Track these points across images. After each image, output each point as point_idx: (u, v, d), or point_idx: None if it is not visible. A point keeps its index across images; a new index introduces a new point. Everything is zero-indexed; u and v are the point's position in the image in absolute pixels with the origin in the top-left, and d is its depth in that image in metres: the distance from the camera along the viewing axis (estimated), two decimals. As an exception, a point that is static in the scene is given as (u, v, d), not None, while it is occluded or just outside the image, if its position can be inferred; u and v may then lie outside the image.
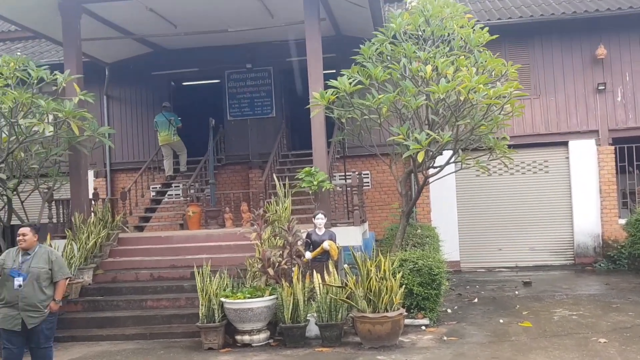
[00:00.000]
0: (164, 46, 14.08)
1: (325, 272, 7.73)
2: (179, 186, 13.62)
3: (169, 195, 14.10)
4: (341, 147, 14.06)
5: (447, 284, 8.82)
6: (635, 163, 13.95)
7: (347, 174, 13.54)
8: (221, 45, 13.87)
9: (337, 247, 8.17)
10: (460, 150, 9.53)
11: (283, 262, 7.89)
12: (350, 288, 7.45)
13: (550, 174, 14.27)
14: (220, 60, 14.30)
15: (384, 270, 7.41)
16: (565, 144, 14.13)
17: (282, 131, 14.12)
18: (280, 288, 7.64)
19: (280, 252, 8.04)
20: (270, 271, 7.67)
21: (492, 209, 14.23)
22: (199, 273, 8.00)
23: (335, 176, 13.19)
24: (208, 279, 7.93)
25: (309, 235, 8.32)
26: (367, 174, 14.15)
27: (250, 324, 7.63)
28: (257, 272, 8.04)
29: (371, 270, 7.36)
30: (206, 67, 14.45)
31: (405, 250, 9.30)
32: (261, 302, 7.63)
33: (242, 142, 14.47)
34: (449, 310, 9.51)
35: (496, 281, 12.44)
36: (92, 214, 10.52)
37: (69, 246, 9.46)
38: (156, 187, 14.04)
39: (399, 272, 7.71)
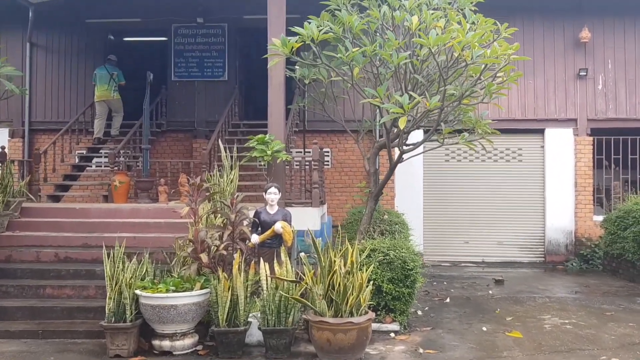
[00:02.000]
0: (101, -11, 11.75)
1: (275, 261, 5.86)
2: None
3: (96, 162, 11.83)
4: (300, 120, 12.15)
5: (422, 281, 7.09)
6: (612, 157, 12.62)
7: (305, 150, 11.64)
8: (169, -6, 11.72)
9: (292, 230, 6.29)
10: (442, 124, 7.76)
11: (222, 246, 5.96)
12: (306, 283, 5.61)
13: (524, 163, 12.80)
14: (167, 11, 12.09)
15: (352, 262, 5.59)
16: (542, 131, 12.68)
17: (235, 97, 12.08)
18: (216, 280, 5.71)
19: (219, 233, 6.09)
20: (204, 257, 5.72)
21: (460, 197, 12.64)
22: (109, 255, 5.96)
23: (292, 152, 11.29)
24: (121, 264, 5.90)
25: (257, 214, 6.40)
26: (328, 152, 12.29)
27: (173, 325, 5.68)
28: (188, 258, 6.06)
29: (335, 261, 5.51)
30: (150, 18, 12.20)
31: (373, 238, 7.52)
32: (188, 298, 5.69)
33: (187, 106, 12.35)
34: (420, 312, 7.81)
35: (464, 277, 10.87)
36: (-12, 176, 8.24)
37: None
38: (81, 153, 11.74)
39: (366, 265, 5.91)
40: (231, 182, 7.75)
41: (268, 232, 6.21)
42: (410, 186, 12.26)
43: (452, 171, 12.72)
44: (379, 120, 6.29)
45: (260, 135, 8.16)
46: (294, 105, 9.77)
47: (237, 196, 6.34)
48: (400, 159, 7.68)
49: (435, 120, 8.43)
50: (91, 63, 12.43)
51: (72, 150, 11.51)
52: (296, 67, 8.50)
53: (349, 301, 5.40)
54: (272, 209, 6.39)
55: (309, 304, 5.50)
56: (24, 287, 6.97)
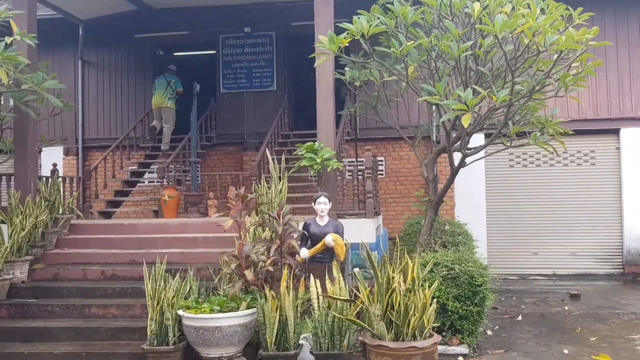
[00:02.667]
0: (149, 4, 11.63)
1: (327, 278, 5.30)
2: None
3: (148, 178, 11.67)
4: (351, 128, 11.61)
5: (492, 297, 6.35)
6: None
7: (358, 159, 11.07)
8: (216, 5, 11.47)
9: (345, 243, 5.71)
10: (510, 123, 7.02)
11: (268, 261, 5.45)
12: (361, 302, 5.01)
13: (597, 167, 11.73)
14: (214, 23, 11.88)
15: (412, 279, 4.95)
16: (617, 131, 11.59)
17: (284, 107, 11.67)
18: (263, 298, 5.20)
19: (265, 247, 5.59)
20: (249, 274, 5.23)
21: (527, 205, 11.70)
22: (150, 274, 5.57)
23: (344, 161, 10.75)
24: (162, 282, 5.49)
25: (306, 227, 5.87)
26: (382, 161, 11.67)
27: (218, 348, 5.21)
28: (233, 275, 5.59)
29: (394, 277, 4.90)
30: (198, 31, 12.01)
31: (434, 251, 6.84)
32: (234, 319, 5.20)
33: (236, 119, 12.03)
34: (489, 332, 7.04)
35: (535, 292, 9.97)
36: (38, 193, 8.08)
37: (-7, 232, 7.04)
38: (133, 168, 11.60)
39: (428, 281, 5.25)
40: (280, 192, 7.28)
41: (318, 246, 5.66)
42: (471, 194, 11.44)
43: (517, 177, 11.81)
44: (439, 120, 5.65)
45: (309, 143, 7.67)
46: (344, 111, 9.23)
47: (285, 207, 5.83)
48: (462, 164, 6.99)
49: (500, 121, 7.73)
50: (141, 78, 12.35)
51: (124, 165, 11.38)
52: (346, 69, 7.99)
53: (411, 323, 4.77)
54: (323, 221, 5.84)
55: (366, 325, 4.90)
56: (69, 306, 6.69)
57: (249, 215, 6.75)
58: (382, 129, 11.46)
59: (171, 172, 10.27)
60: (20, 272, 7.19)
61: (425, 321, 4.84)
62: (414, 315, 4.78)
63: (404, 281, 4.91)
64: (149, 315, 5.42)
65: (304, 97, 12.80)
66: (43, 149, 12.41)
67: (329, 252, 5.69)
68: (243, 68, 12.00)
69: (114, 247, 7.92)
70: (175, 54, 13.82)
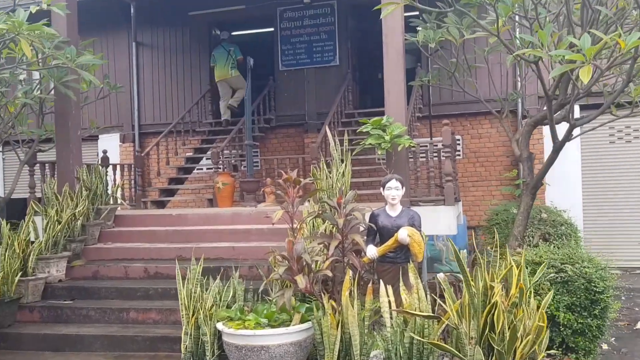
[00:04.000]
0: (202, -22, 10.67)
1: (401, 284, 4.04)
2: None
3: (206, 164, 10.76)
4: (423, 104, 10.18)
5: (617, 306, 4.87)
6: None
7: (432, 138, 9.65)
8: (272, -25, 10.37)
9: (423, 237, 4.40)
10: (632, 85, 5.43)
11: (326, 263, 4.25)
12: (449, 318, 3.72)
13: None
14: (270, -6, 10.77)
15: (519, 289, 3.60)
16: None
17: (348, 84, 10.41)
18: (320, 310, 4.02)
19: (323, 244, 4.40)
20: (301, 281, 4.05)
21: (630, 188, 9.86)
22: (184, 276, 4.53)
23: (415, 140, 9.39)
24: (199, 288, 4.43)
25: (374, 218, 4.59)
26: (459, 140, 10.18)
27: (266, 373, 4.07)
28: (284, 280, 4.44)
29: (493, 287, 3.56)
30: (254, 4, 10.91)
31: (534, 246, 5.41)
32: (284, 336, 4.05)
33: (296, 98, 10.89)
34: (605, 346, 5.53)
35: (648, 290, 8.24)
36: (78, 182, 7.26)
37: (25, 227, 6.24)
38: (189, 154, 10.72)
39: (532, 285, 3.87)
40: (342, 177, 6.08)
41: (389, 243, 4.39)
42: (565, 176, 9.74)
43: (620, 155, 9.97)
44: (552, 72, 4.18)
45: (376, 118, 6.39)
46: (416, 81, 7.83)
47: (347, 194, 4.59)
48: (568, 137, 5.46)
49: (607, 85, 6.18)
50: (197, 59, 11.45)
51: (179, 151, 10.52)
52: (418, 28, 6.61)
53: (518, 351, 3.43)
54: (394, 210, 4.55)
55: (455, 351, 3.61)
56: (106, 310, 5.79)
57: (308, 203, 5.60)
58: (457, 103, 10.02)
59: (226, 157, 9.26)
60: (57, 270, 6.39)
61: (537, 350, 3.49)
62: (522, 340, 3.44)
63: (507, 292, 3.57)
64: (183, 328, 4.39)
65: (369, 73, 11.52)
66: (100, 136, 11.87)
67: (403, 250, 4.42)
68: (303, 42, 10.81)
69: (160, 240, 7.02)
70: (232, 33, 12.84)
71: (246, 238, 6.76)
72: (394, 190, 4.44)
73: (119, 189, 9.02)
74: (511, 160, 9.84)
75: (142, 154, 9.48)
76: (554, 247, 5.34)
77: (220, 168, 8.88)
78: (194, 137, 10.90)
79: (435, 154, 7.21)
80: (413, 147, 6.50)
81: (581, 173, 9.91)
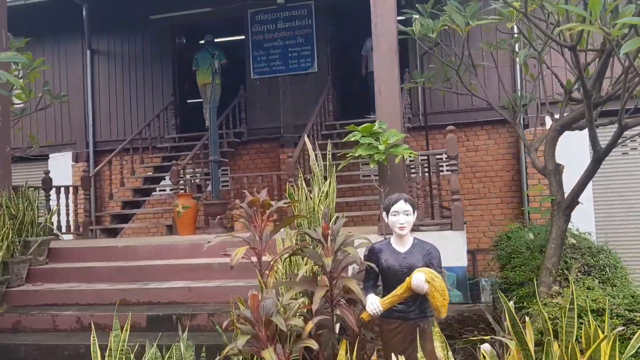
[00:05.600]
0: (164, -23, 9.39)
1: (417, 346, 2.69)
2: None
3: (166, 183, 9.33)
4: (412, 114, 8.97)
5: None
6: None
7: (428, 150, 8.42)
8: (242, -26, 9.14)
9: (446, 281, 3.06)
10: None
11: (308, 327, 2.89)
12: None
13: None
14: (240, -5, 9.52)
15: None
16: None
17: (328, 92, 9.16)
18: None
19: (303, 297, 3.05)
20: (271, 357, 2.66)
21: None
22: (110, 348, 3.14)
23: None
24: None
25: (374, 254, 3.23)
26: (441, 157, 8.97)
27: None
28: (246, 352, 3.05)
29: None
30: (222, 6, 9.65)
31: (578, 282, 4.13)
32: None
33: (270, 109, 9.60)
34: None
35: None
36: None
37: None
38: (148, 174, 9.30)
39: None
40: (325, 197, 4.74)
41: (399, 291, 3.05)
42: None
43: (633, 166, 8.87)
44: (623, 48, 2.95)
45: (366, 125, 5.11)
46: (408, 84, 6.59)
47: (335, 218, 3.27)
48: (616, 141, 4.22)
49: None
50: (158, 68, 10.11)
51: (136, 171, 9.10)
52: (414, 17, 5.38)
53: None
54: (403, 244, 3.20)
55: None
56: (20, 377, 4.33)
57: (284, 230, 4.25)
58: (451, 112, 8.84)
59: (188, 175, 7.88)
60: (-36, 322, 4.89)
61: None
62: None
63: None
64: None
65: (349, 76, 10.33)
66: (50, 155, 10.40)
67: (418, 301, 3.08)
68: (277, 47, 9.56)
69: (101, 280, 5.57)
70: (200, 42, 11.55)
71: (207, 275, 5.37)
72: (402, 215, 3.11)
73: (62, 216, 7.59)
74: (512, 175, 8.66)
75: (91, 174, 8.02)
76: (599, 283, 4.08)
77: (181, 189, 7.49)
78: (155, 154, 9.50)
79: (434, 169, 5.95)
80: (414, 158, 5.22)
81: (592, 189, 8.76)
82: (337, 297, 3.20)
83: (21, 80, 6.61)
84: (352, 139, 5.05)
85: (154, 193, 9.34)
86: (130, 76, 10.18)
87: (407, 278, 3.00)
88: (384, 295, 3.13)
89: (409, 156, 4.92)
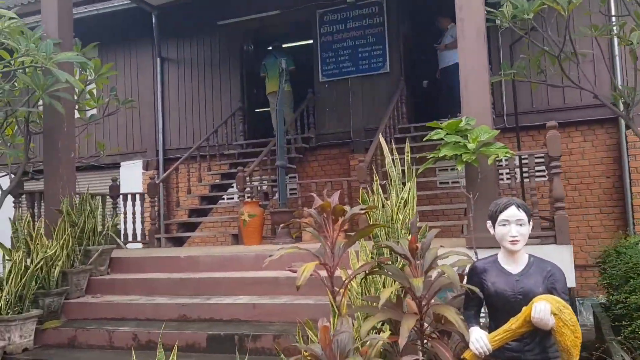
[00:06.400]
0: (231, -18, 9.07)
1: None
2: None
3: (234, 190, 8.93)
4: (496, 114, 8.08)
5: None
6: None
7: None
8: (309, -26, 8.67)
9: (573, 317, 2.30)
10: None
11: (395, 366, 2.22)
12: None
13: None
14: (308, -4, 9.04)
15: None
16: None
17: (401, 94, 8.45)
18: None
19: (387, 323, 2.37)
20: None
21: None
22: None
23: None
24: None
25: (476, 274, 2.50)
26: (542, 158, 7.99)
27: None
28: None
29: None
30: (290, 8, 9.21)
31: None
32: None
33: (340, 113, 9.00)
34: None
35: None
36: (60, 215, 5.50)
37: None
38: (216, 181, 8.94)
39: None
40: (404, 205, 4.05)
41: (513, 325, 2.31)
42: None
43: None
44: None
45: (451, 121, 4.38)
46: (496, 77, 5.76)
47: (427, 232, 2.58)
48: None
49: None
50: (226, 74, 9.79)
51: (203, 178, 8.77)
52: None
53: None
54: (515, 262, 2.45)
55: None
56: (71, 399, 3.93)
57: (358, 243, 3.61)
58: (541, 112, 7.89)
59: (255, 182, 7.41)
60: (21, 336, 4.59)
61: None
62: None
63: None
64: None
65: (424, 77, 9.58)
66: (121, 163, 10.32)
67: (537, 338, 2.33)
68: (346, 48, 8.97)
69: (160, 293, 5.16)
70: (268, 48, 11.19)
71: (273, 290, 4.82)
72: (514, 225, 2.38)
73: (128, 224, 7.32)
74: (613, 181, 7.57)
75: (157, 181, 7.73)
76: None
77: (246, 196, 7.02)
78: (222, 161, 9.14)
79: (530, 173, 5.11)
80: (511, 157, 4.44)
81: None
82: (428, 328, 2.51)
83: (91, 87, 6.42)
84: (435, 137, 4.34)
85: (221, 201, 8.96)
86: (200, 83, 9.93)
87: (525, 308, 2.27)
88: (490, 329, 2.40)
89: (505, 156, 4.14)
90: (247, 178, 7.13)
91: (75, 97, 6.50)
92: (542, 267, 2.41)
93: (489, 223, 2.50)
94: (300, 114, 8.96)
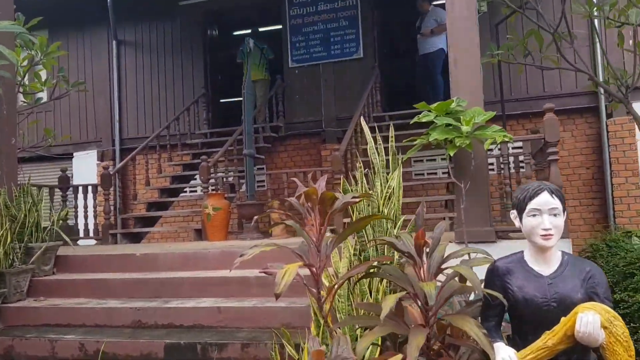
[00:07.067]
0: (193, -42, 8.40)
1: None
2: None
3: (196, 183, 8.29)
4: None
5: None
6: None
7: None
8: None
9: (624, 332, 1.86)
10: None
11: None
12: None
13: None
14: (277, -24, 8.47)
15: None
16: None
17: (375, 80, 7.98)
18: None
19: (389, 339, 1.88)
20: None
21: None
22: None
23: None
24: None
25: (499, 277, 2.03)
26: (520, 149, 7.66)
27: None
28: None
29: None
30: (257, -12, 8.64)
31: None
32: None
33: (310, 101, 8.49)
34: None
35: None
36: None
37: None
38: (176, 172, 8.29)
39: None
40: (389, 195, 3.56)
41: (551, 339, 1.86)
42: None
43: None
44: None
45: (440, 102, 3.92)
46: (484, 58, 5.34)
47: (435, 228, 2.09)
48: None
49: None
50: (188, 58, 9.14)
51: (163, 169, 8.11)
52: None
53: None
54: (546, 260, 2.00)
55: None
56: None
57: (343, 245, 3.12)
58: (520, 100, 7.58)
59: (220, 173, 6.82)
60: (-55, 348, 3.91)
61: None
62: None
63: None
64: None
65: (399, 64, 9.19)
66: (74, 154, 9.54)
67: (576, 354, 1.88)
68: (317, 32, 8.45)
69: (114, 295, 4.53)
70: (234, 33, 10.56)
71: (242, 292, 4.27)
72: (547, 215, 1.93)
73: (80, 219, 6.65)
74: (593, 173, 7.31)
75: (112, 172, 7.05)
76: None
77: (211, 188, 6.43)
78: (184, 151, 8.49)
79: (522, 162, 4.73)
80: (509, 141, 4.01)
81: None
82: (437, 343, 2.03)
83: (38, 69, 5.73)
84: (424, 120, 3.87)
85: (182, 194, 8.32)
86: (159, 68, 9.22)
87: (564, 319, 1.81)
88: (515, 345, 1.94)
89: (502, 140, 3.71)
90: (212, 168, 6.53)
91: (19, 78, 5.82)
92: (580, 267, 1.97)
93: (513, 213, 2.04)
94: (268, 102, 8.40)
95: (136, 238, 7.00)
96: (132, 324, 4.14)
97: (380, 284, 3.15)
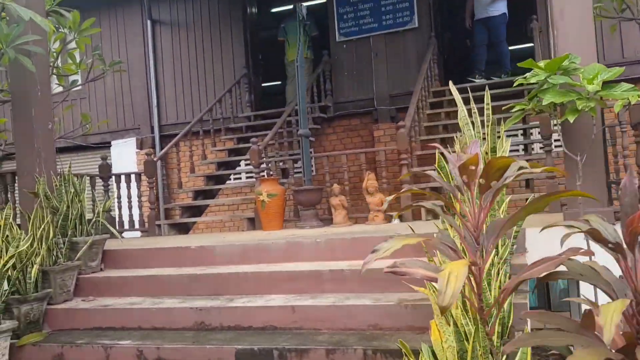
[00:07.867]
0: None
1: None
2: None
3: (246, 167, 7.77)
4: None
5: None
6: None
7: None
8: None
9: None
10: None
11: None
12: None
13: None
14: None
15: None
16: None
17: (432, 52, 7.30)
18: None
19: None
20: None
21: None
22: None
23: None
24: None
25: None
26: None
27: None
28: None
29: None
30: (299, -42, 8.01)
31: None
32: None
33: (360, 77, 7.88)
34: None
35: None
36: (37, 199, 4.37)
37: None
38: (221, 158, 7.80)
39: None
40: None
41: None
42: None
43: None
44: None
45: (550, 60, 3.27)
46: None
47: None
48: None
49: None
50: (227, 36, 8.60)
51: (207, 155, 7.63)
52: None
53: None
54: None
55: None
56: None
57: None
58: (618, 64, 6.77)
59: (271, 157, 6.29)
60: (-13, 358, 3.48)
61: None
62: None
63: None
64: None
65: (458, 34, 8.49)
66: (112, 142, 9.16)
67: None
68: (367, 1, 7.80)
69: (169, 293, 4.05)
70: (272, 10, 9.98)
71: (314, 288, 3.73)
72: None
73: (124, 210, 6.22)
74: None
75: (156, 158, 6.59)
76: None
77: (263, 173, 5.90)
78: (228, 136, 7.98)
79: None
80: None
81: None
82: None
83: (72, 48, 5.28)
84: (533, 80, 3.22)
85: (229, 181, 7.83)
86: (197, 48, 8.73)
87: None
88: None
89: (637, 100, 3.05)
90: (262, 151, 6.00)
91: (52, 60, 5.37)
92: None
93: None
94: (315, 80, 7.81)
95: (183, 229, 6.54)
96: (194, 326, 3.65)
97: (496, 280, 2.57)
